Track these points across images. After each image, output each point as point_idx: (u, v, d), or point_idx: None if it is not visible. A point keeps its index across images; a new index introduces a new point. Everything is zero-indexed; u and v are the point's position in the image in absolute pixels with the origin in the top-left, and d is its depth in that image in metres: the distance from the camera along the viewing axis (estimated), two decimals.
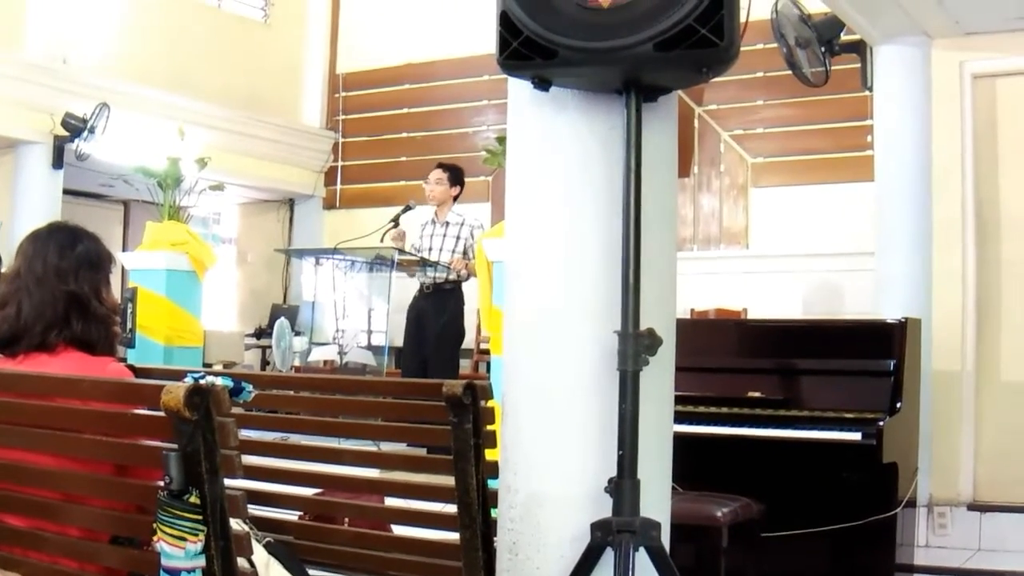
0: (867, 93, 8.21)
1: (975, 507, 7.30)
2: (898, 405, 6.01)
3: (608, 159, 3.28)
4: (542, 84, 3.19)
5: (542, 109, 3.35)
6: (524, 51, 3.09)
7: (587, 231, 3.32)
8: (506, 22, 3.11)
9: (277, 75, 15.72)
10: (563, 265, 3.36)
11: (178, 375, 3.15)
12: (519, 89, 3.39)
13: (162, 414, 2.73)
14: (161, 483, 2.75)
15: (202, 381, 2.73)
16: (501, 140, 7.99)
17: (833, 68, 7.71)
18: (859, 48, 7.79)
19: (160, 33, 13.85)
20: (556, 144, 3.37)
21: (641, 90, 3.15)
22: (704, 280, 10.70)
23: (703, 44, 2.92)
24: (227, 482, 2.81)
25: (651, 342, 3.14)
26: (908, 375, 6.20)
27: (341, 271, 11.58)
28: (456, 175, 10.38)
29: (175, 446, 2.74)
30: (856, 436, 5.81)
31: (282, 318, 12.24)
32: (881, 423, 5.79)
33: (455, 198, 10.36)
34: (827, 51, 7.62)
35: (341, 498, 4.30)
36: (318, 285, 13.47)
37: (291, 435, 5.21)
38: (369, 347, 11.92)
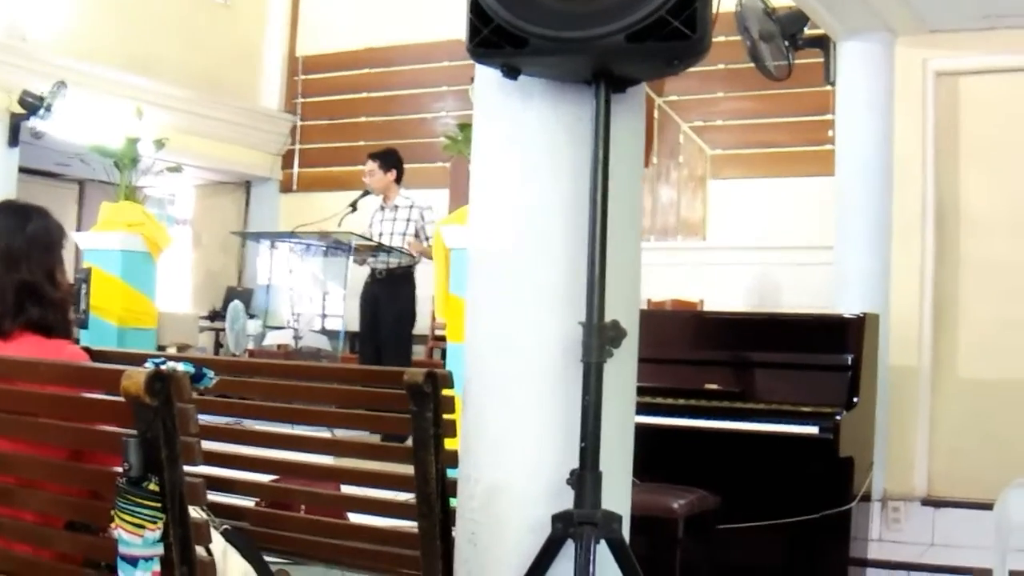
0: (828, 88, 8.22)
1: (929, 502, 7.34)
2: (855, 400, 6.03)
3: (574, 149, 3.25)
4: (511, 73, 3.16)
5: (509, 97, 3.32)
6: (494, 39, 3.06)
7: (552, 221, 3.29)
8: (477, 9, 3.08)
9: (236, 56, 15.65)
10: (527, 254, 3.33)
11: (135, 359, 3.12)
12: (487, 77, 3.36)
13: (121, 399, 2.69)
14: (119, 469, 2.71)
15: (163, 367, 2.69)
16: (462, 127, 7.97)
17: (796, 62, 7.72)
18: (823, 43, 7.79)
19: (119, 12, 13.76)
20: (522, 133, 3.34)
21: (611, 81, 3.13)
22: (661, 271, 10.68)
23: (675, 36, 2.90)
24: (185, 468, 2.78)
25: (616, 334, 3.13)
26: (866, 370, 6.23)
27: (297, 255, 11.53)
28: (387, 159, 10.41)
29: (135, 432, 2.71)
30: (813, 430, 5.83)
31: (236, 301, 12.21)
32: (838, 417, 5.82)
33: (397, 180, 10.37)
34: (790, 45, 7.63)
35: (298, 485, 4.27)
36: (273, 268, 13.41)
37: (244, 420, 5.16)
38: (323, 331, 11.87)
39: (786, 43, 7.64)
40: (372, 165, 10.33)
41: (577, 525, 3.09)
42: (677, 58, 3.02)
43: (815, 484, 5.93)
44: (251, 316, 12.59)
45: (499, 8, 3.02)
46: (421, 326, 11.17)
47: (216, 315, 14.82)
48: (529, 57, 3.09)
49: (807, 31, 7.74)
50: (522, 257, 3.34)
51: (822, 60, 7.88)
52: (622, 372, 3.30)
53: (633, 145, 3.41)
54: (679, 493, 5.39)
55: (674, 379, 6.21)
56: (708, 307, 10.29)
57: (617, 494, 3.28)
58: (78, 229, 13.91)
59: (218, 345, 14.65)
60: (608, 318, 3.12)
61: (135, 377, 2.64)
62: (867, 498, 6.64)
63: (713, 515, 5.60)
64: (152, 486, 2.69)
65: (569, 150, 3.28)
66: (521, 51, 3.06)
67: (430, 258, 9.59)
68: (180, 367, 2.73)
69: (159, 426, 2.68)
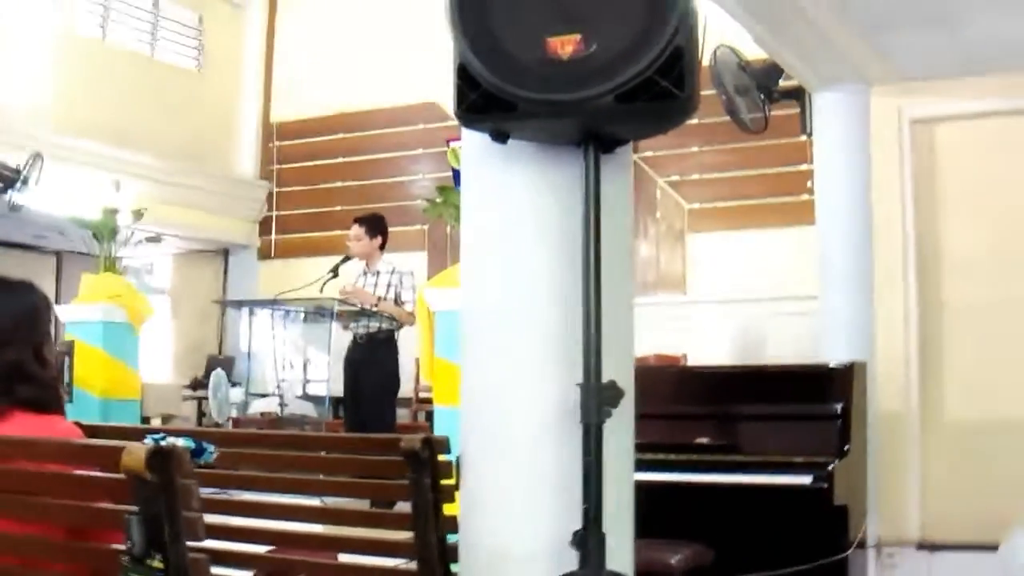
0: (804, 138, 8.25)
1: (924, 546, 7.32)
2: (847, 448, 6.03)
3: (564, 211, 3.26)
4: (500, 137, 3.17)
5: (497, 161, 3.33)
6: (482, 103, 3.07)
7: (544, 282, 3.30)
8: (464, 74, 3.09)
9: (211, 124, 15.69)
10: (520, 317, 3.33)
11: (128, 434, 3.09)
12: (474, 141, 3.36)
13: (120, 476, 2.68)
14: (121, 547, 2.69)
15: (163, 442, 2.68)
16: (441, 190, 7.99)
17: (772, 114, 7.76)
18: (798, 94, 7.82)
19: (93, 82, 13.79)
20: (511, 196, 3.35)
21: (600, 142, 3.14)
22: (642, 326, 10.61)
23: (664, 96, 2.91)
24: (188, 544, 2.76)
25: (613, 394, 3.12)
26: (855, 418, 6.23)
27: (278, 321, 11.52)
28: (374, 225, 10.38)
29: (135, 509, 2.69)
30: (806, 480, 5.81)
31: (218, 369, 12.17)
32: (831, 467, 5.80)
33: (381, 247, 10.34)
34: (766, 98, 7.68)
35: (298, 555, 4.24)
36: (253, 336, 13.40)
37: (229, 490, 5.12)
38: (307, 397, 11.85)
39: (761, 96, 7.68)
40: (359, 231, 10.30)
41: None
42: (666, 117, 3.04)
43: (810, 534, 5.90)
44: (234, 384, 12.55)
45: (486, 73, 3.03)
46: (405, 389, 11.14)
47: (198, 384, 14.75)
48: (518, 121, 3.10)
49: (782, 83, 7.78)
50: (514, 320, 3.34)
51: (798, 111, 7.92)
52: (621, 431, 3.30)
53: (622, 204, 3.42)
54: (675, 548, 5.38)
55: (663, 434, 6.20)
56: (691, 361, 10.29)
57: (620, 554, 3.27)
58: (57, 301, 13.86)
59: (201, 414, 14.60)
60: (605, 378, 3.12)
61: (135, 453, 2.63)
62: (862, 545, 6.62)
63: (710, 569, 5.58)
64: (156, 563, 2.66)
65: (557, 212, 3.29)
66: (510, 115, 3.06)
67: (410, 324, 9.62)
68: (180, 442, 2.72)
69: (161, 503, 2.66)
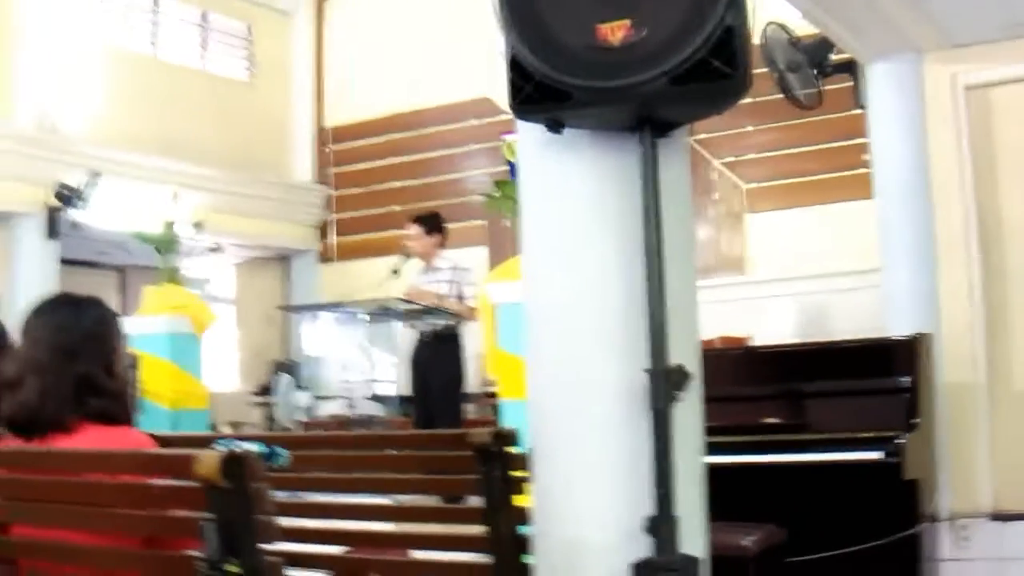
0: (858, 111, 8.19)
1: (998, 517, 7.24)
2: (915, 422, 5.98)
3: (623, 197, 3.26)
4: (555, 127, 3.17)
5: (554, 151, 3.33)
6: (536, 95, 3.08)
7: (607, 270, 3.30)
8: (517, 67, 3.09)
9: (265, 133, 15.76)
10: (583, 305, 3.34)
11: (200, 442, 3.11)
12: (529, 132, 3.37)
13: (193, 484, 2.69)
14: (196, 553, 2.71)
15: (235, 448, 2.69)
16: (498, 184, 7.98)
17: (825, 88, 7.71)
18: (850, 67, 7.77)
19: (146, 98, 13.89)
20: (570, 185, 3.35)
21: (655, 126, 3.14)
22: (705, 309, 10.57)
23: (717, 76, 2.91)
24: (262, 547, 2.77)
25: (681, 378, 3.12)
26: (923, 391, 6.18)
27: (342, 324, 11.56)
28: (431, 223, 10.36)
29: (210, 515, 2.70)
30: (877, 455, 5.76)
31: (284, 374, 12.23)
32: (901, 441, 5.75)
33: (440, 244, 10.32)
34: (818, 73, 7.62)
35: (370, 554, 4.25)
36: (319, 340, 13.46)
37: (300, 493, 5.15)
38: (375, 398, 11.88)
39: (813, 71, 7.63)
40: (416, 229, 10.27)
41: (657, 572, 3.07)
42: (720, 97, 3.03)
43: (882, 509, 5.86)
44: (300, 388, 12.62)
45: (539, 64, 3.03)
46: (471, 384, 11.14)
47: (264, 390, 14.83)
48: (573, 110, 3.10)
49: (833, 57, 7.72)
50: (578, 308, 3.35)
51: (851, 84, 7.86)
52: (690, 415, 3.30)
53: (681, 187, 3.42)
54: (747, 530, 5.35)
55: (730, 416, 6.16)
56: (757, 342, 10.25)
57: (693, 537, 3.27)
58: (122, 315, 13.96)
59: (269, 420, 14.68)
60: (671, 363, 3.11)
61: (208, 461, 2.64)
62: (934, 519, 6.56)
63: (782, 549, 5.55)
64: (233, 568, 2.68)
65: (616, 198, 3.29)
66: (564, 105, 3.07)
67: (472, 319, 9.62)
68: (252, 447, 2.73)
69: (235, 508, 2.68)
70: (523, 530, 3.60)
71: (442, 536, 4.22)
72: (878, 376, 6.22)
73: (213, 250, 10.58)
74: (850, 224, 10.67)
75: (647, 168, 3.12)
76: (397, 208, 15.08)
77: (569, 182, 3.34)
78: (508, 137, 7.24)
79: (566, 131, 3.21)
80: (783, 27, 7.47)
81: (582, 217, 3.33)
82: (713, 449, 5.93)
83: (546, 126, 3.18)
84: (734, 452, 6.06)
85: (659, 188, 3.13)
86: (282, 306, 15.30)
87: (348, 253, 15.84)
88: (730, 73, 2.90)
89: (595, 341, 3.32)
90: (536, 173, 3.46)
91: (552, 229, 3.41)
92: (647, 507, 3.12)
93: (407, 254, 10.47)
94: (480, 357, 10.84)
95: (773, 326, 10.59)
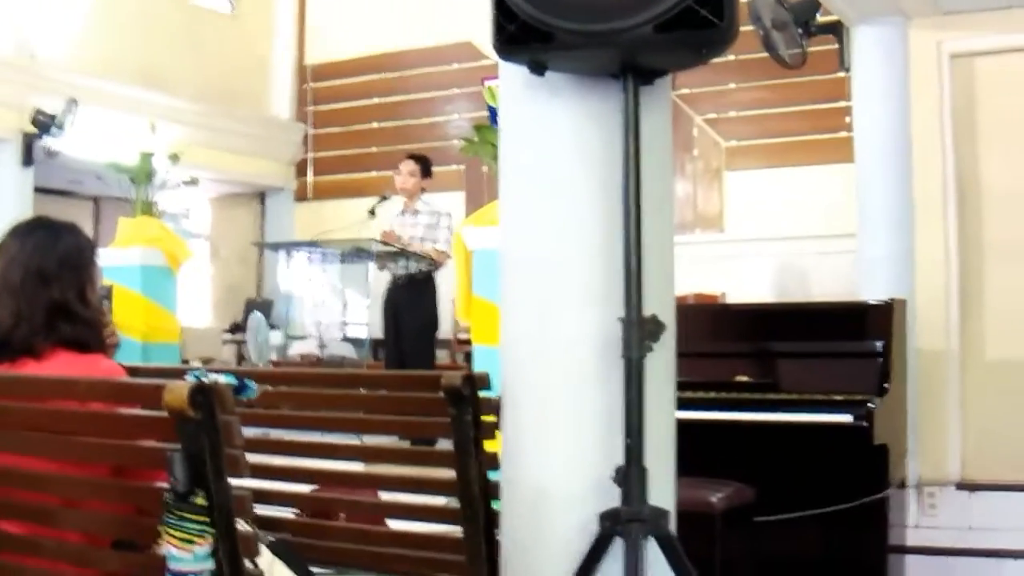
0: (842, 74, 8.18)
1: (964, 486, 7.28)
2: (887, 386, 5.98)
3: (604, 143, 3.25)
4: (538, 69, 3.14)
5: (536, 94, 3.31)
6: (520, 35, 3.05)
7: (584, 217, 3.29)
8: (501, 6, 3.07)
9: (246, 67, 15.66)
10: (559, 252, 3.33)
11: (171, 373, 3.09)
12: (512, 74, 3.34)
13: (162, 414, 2.67)
14: (164, 484, 2.69)
15: (204, 379, 2.67)
16: (478, 128, 7.94)
17: (809, 50, 7.68)
18: (836, 29, 7.74)
19: (128, 27, 13.77)
20: (551, 130, 3.33)
21: (638, 73, 3.12)
22: (681, 266, 10.57)
23: (703, 25, 2.89)
24: (231, 481, 2.75)
25: (655, 328, 3.11)
26: (896, 356, 6.19)
27: (316, 264, 11.52)
28: (427, 166, 10.35)
29: (178, 446, 2.68)
30: (847, 418, 5.77)
31: (257, 312, 12.19)
32: (871, 404, 5.76)
33: (424, 188, 10.31)
34: (804, 33, 7.59)
35: (338, 494, 4.25)
36: (292, 279, 13.42)
37: (272, 431, 5.13)
38: (347, 339, 11.86)
39: (799, 31, 7.59)
40: (413, 167, 10.21)
41: (625, 523, 3.07)
42: (705, 47, 3.01)
43: (851, 472, 5.88)
44: (272, 327, 12.58)
45: (524, 4, 3.01)
46: (444, 330, 11.13)
47: (237, 327, 14.78)
48: (556, 52, 3.08)
49: (820, 18, 7.69)
50: (554, 255, 3.33)
51: (836, 47, 7.84)
52: (662, 366, 3.29)
53: (662, 137, 3.40)
54: (715, 487, 5.35)
55: (703, 372, 6.17)
56: (730, 299, 10.26)
57: (662, 489, 3.27)
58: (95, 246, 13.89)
59: (240, 357, 14.64)
60: (646, 313, 3.10)
61: (177, 391, 2.61)
62: (902, 484, 6.59)
63: (750, 508, 5.56)
64: (200, 500, 2.66)
65: (598, 144, 3.27)
66: (548, 46, 3.05)
67: (443, 262, 9.64)
68: (222, 379, 2.71)
69: (203, 439, 2.65)
70: (492, 475, 3.59)
71: (411, 478, 4.21)
72: (852, 339, 6.23)
73: (189, 183, 10.48)
74: (829, 187, 10.67)
75: (629, 115, 3.10)
76: (375, 149, 15.05)
77: (550, 127, 3.32)
78: (490, 82, 7.19)
79: (549, 75, 3.18)
80: None
81: (561, 162, 3.31)
82: (684, 404, 5.94)
83: (529, 68, 3.15)
84: (705, 408, 6.07)
85: (640, 136, 3.11)
86: (257, 242, 15.24)
87: (324, 193, 15.79)
88: (716, 22, 2.88)
89: (570, 289, 3.30)
90: (517, 117, 3.44)
91: (531, 174, 3.39)
92: (616, 458, 3.11)
93: (385, 195, 10.44)
94: (453, 302, 10.84)
95: (748, 286, 10.60)
